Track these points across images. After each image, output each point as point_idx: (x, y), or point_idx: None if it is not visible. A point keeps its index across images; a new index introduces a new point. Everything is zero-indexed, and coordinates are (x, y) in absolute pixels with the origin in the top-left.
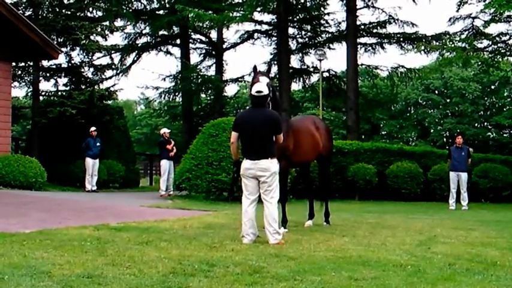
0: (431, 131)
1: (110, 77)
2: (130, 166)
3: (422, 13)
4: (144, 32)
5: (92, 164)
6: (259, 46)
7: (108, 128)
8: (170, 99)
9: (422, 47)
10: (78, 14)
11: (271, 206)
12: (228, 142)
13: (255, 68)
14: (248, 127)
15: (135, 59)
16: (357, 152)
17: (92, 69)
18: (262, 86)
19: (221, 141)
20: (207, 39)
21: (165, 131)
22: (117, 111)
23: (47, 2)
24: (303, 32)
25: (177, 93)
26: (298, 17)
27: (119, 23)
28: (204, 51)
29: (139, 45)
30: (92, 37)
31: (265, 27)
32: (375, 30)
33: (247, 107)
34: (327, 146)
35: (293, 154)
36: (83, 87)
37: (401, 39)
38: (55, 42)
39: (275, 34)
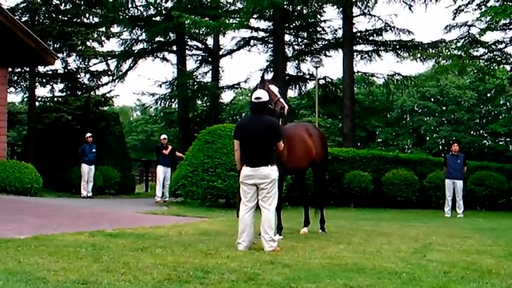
0: (427, 138)
1: (106, 83)
2: (126, 172)
3: (418, 21)
4: (140, 38)
5: (87, 170)
6: (255, 53)
7: (104, 134)
8: (166, 106)
9: (419, 55)
10: (74, 20)
11: (268, 213)
12: (224, 149)
13: (262, 76)
14: (248, 134)
15: (131, 65)
16: (353, 160)
17: (88, 75)
18: (261, 93)
19: (217, 147)
20: (203, 46)
21: (163, 137)
22: (113, 117)
23: (44, 8)
24: (299, 39)
25: (173, 100)
26: (294, 24)
27: (115, 29)
28: (200, 57)
29: (135, 51)
30: (88, 43)
31: (261, 34)
32: (371, 38)
33: (244, 114)
34: (321, 153)
35: (287, 161)
36: (79, 93)
37: (398, 46)
38: (51, 48)
39: (271, 41)
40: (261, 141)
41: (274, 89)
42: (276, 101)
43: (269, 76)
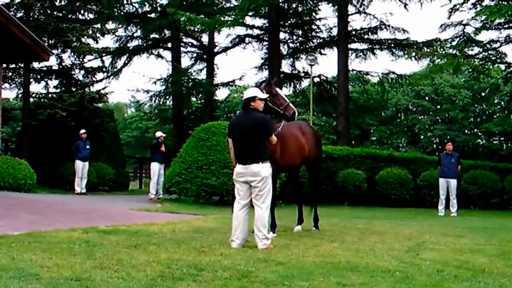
0: (421, 137)
1: (101, 80)
2: (120, 169)
3: (413, 19)
4: (135, 35)
5: (81, 167)
6: (250, 50)
7: (98, 131)
8: (161, 103)
9: (413, 54)
10: (69, 16)
11: (261, 211)
12: (218, 146)
13: (269, 79)
14: (237, 132)
15: (126, 61)
16: (347, 158)
17: (82, 72)
18: (248, 91)
19: (211, 145)
20: (198, 43)
21: (161, 134)
22: (108, 114)
23: (39, 4)
24: (294, 37)
25: (167, 97)
26: (289, 22)
27: (110, 25)
28: (195, 54)
29: (130, 48)
30: (83, 39)
31: (256, 31)
32: (366, 36)
33: (238, 112)
34: (314, 151)
35: (280, 158)
36: (74, 89)
37: (393, 45)
38: (46, 44)
39: (266, 39)
40: (250, 138)
41: (282, 93)
42: (286, 106)
43: (263, 74)
